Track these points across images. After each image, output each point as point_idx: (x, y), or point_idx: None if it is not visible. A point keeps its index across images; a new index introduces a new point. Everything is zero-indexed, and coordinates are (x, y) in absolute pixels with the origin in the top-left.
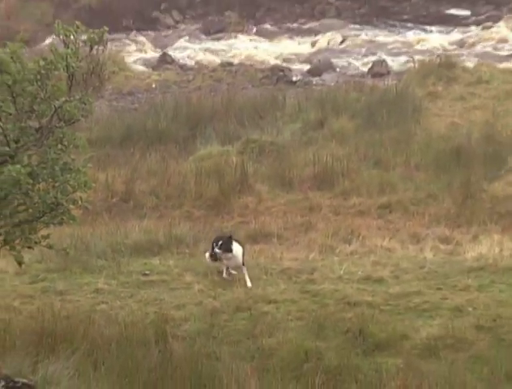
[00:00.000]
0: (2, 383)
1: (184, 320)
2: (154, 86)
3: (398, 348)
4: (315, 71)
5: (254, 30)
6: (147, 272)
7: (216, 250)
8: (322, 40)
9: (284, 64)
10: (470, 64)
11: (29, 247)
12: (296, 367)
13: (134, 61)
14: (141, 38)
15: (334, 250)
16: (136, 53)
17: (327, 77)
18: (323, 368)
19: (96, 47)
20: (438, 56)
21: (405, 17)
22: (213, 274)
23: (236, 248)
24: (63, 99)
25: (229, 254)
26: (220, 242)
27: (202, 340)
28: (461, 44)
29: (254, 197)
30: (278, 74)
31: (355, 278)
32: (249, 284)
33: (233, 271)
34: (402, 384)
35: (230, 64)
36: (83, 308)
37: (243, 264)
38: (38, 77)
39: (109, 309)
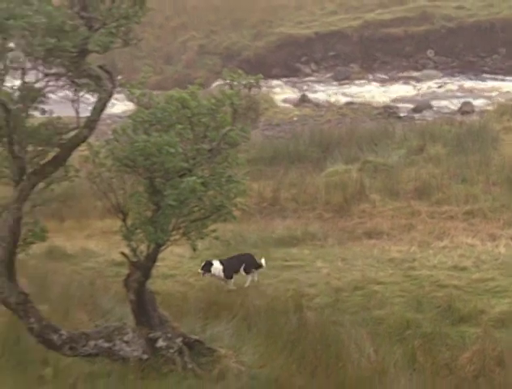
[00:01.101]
0: (181, 339)
1: (315, 295)
2: (295, 119)
3: (477, 320)
4: (417, 109)
5: (371, 78)
6: (287, 259)
7: (199, 271)
8: (423, 86)
9: (394, 103)
10: None
11: (201, 238)
12: (400, 333)
13: (281, 101)
14: (286, 83)
15: (430, 245)
16: (282, 94)
17: (426, 114)
18: (420, 334)
19: (252, 89)
20: None
21: (487, 69)
22: (338, 261)
23: (215, 268)
24: (228, 128)
25: (209, 273)
26: (203, 264)
27: (329, 311)
28: None
29: (369, 204)
30: (389, 111)
31: (445, 266)
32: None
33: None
34: (480, 348)
35: (353, 103)
36: (240, 284)
37: (225, 277)
38: (210, 111)
39: (259, 285)
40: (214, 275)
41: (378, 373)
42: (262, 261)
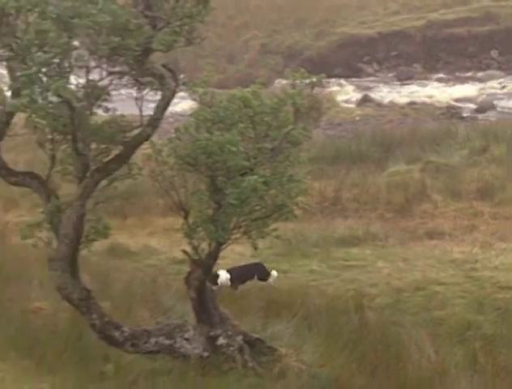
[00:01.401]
0: (241, 337)
1: (376, 295)
2: (357, 119)
3: None
4: (480, 109)
5: (434, 78)
6: (348, 259)
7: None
8: (487, 87)
9: (456, 104)
10: None
11: (262, 237)
12: (461, 334)
13: (343, 100)
14: (348, 83)
15: (492, 246)
16: (344, 93)
17: (490, 114)
18: (481, 335)
19: (315, 88)
20: None
21: None
22: (399, 261)
23: (222, 278)
24: (290, 127)
25: (216, 286)
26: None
27: (390, 311)
28: None
29: (431, 204)
30: (451, 111)
31: (507, 268)
32: None
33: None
34: None
35: (415, 103)
36: (301, 283)
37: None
38: (272, 110)
39: (320, 285)
40: (221, 285)
41: (439, 374)
42: (273, 272)
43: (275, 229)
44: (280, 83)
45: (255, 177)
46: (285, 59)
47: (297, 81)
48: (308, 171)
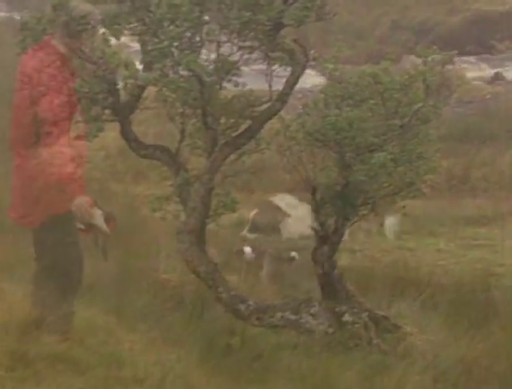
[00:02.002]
0: (366, 314)
1: (503, 275)
2: (488, 97)
3: None
4: None
5: None
6: (476, 238)
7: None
8: None
9: None
10: None
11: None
12: None
13: (473, 78)
14: (480, 60)
15: None
16: (475, 71)
17: None
18: None
19: (446, 66)
20: None
21: None
22: None
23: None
24: (420, 104)
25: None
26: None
27: None
28: None
29: None
30: None
31: None
32: None
33: None
34: None
35: None
36: (427, 262)
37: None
38: (403, 87)
39: (447, 264)
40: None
41: None
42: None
43: (402, 207)
44: (410, 59)
45: (384, 153)
46: (416, 35)
47: (429, 58)
48: (437, 149)
